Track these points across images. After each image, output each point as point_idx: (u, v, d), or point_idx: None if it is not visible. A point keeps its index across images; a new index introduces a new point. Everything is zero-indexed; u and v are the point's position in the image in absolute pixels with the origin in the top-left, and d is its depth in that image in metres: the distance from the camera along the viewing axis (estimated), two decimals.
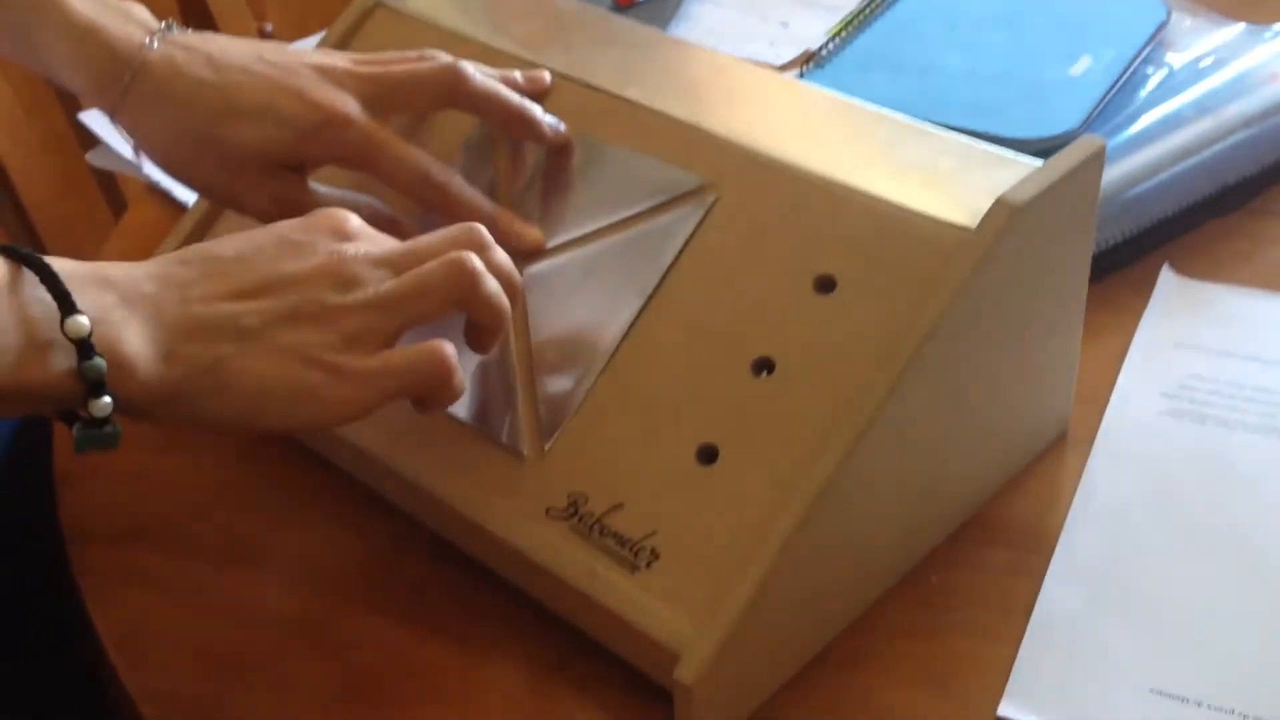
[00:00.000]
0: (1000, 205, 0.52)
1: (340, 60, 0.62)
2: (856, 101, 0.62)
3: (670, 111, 0.62)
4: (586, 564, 0.53)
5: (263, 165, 0.59)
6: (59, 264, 0.48)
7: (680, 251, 0.58)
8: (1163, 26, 0.82)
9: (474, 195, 0.61)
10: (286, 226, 0.53)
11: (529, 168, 0.64)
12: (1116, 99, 0.77)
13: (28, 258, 0.48)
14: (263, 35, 1.28)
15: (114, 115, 0.61)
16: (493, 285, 0.54)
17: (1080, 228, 0.57)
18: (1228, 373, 0.65)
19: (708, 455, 0.54)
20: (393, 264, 0.53)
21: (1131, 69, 0.79)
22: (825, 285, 0.55)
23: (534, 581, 0.56)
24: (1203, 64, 0.79)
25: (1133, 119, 0.76)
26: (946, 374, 0.53)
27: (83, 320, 0.46)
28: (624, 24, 0.68)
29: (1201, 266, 0.72)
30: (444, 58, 0.62)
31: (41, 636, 0.66)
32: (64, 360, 0.47)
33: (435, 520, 0.59)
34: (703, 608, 0.50)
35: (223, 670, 0.56)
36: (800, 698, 0.53)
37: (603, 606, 0.53)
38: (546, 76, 0.65)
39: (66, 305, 0.47)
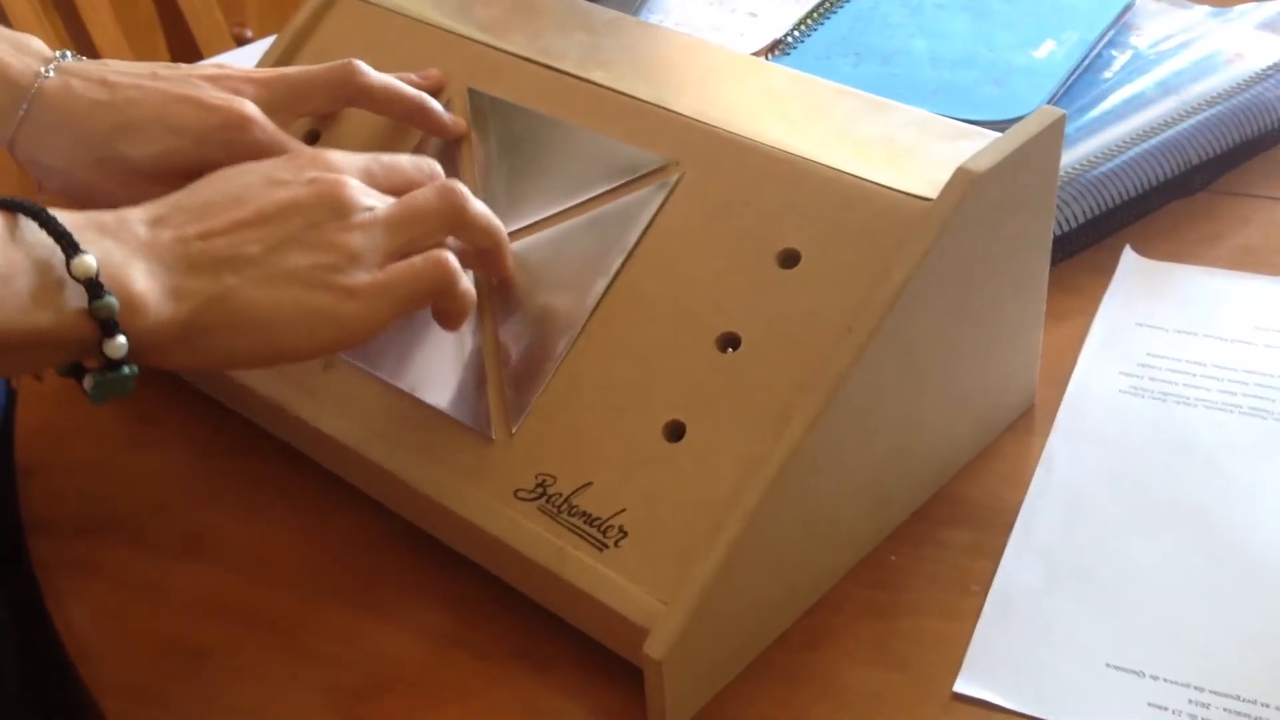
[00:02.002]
0: (960, 174, 0.52)
1: (234, 69, 0.62)
2: (819, 79, 0.62)
3: (634, 93, 0.62)
4: (555, 544, 0.53)
5: (164, 178, 0.58)
6: (55, 213, 0.48)
7: (645, 230, 0.58)
8: (1128, 9, 0.83)
9: None
10: (269, 164, 0.54)
11: (493, 153, 0.64)
12: (1081, 81, 0.78)
13: (23, 206, 0.47)
14: (240, 42, 1.28)
15: (12, 146, 0.60)
16: (482, 207, 0.56)
17: (1041, 198, 0.56)
18: (1188, 351, 0.65)
19: (675, 432, 0.53)
20: (383, 189, 0.54)
21: (1096, 51, 0.79)
22: (789, 260, 0.54)
23: (504, 564, 0.55)
24: (1167, 46, 0.80)
25: (1097, 101, 0.76)
26: (910, 345, 0.53)
27: (89, 259, 0.46)
28: (589, 8, 0.68)
29: (1164, 248, 0.72)
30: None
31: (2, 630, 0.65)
32: (75, 300, 0.46)
33: (405, 507, 0.59)
34: (671, 584, 0.50)
35: (182, 661, 0.56)
36: (758, 678, 0.52)
37: (572, 586, 0.52)
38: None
39: (70, 246, 0.47)
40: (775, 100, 0.61)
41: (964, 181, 0.52)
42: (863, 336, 0.51)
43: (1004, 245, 0.56)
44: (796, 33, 0.84)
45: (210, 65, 0.62)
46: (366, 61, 0.65)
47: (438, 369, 0.59)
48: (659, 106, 0.60)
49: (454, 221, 0.55)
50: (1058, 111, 0.55)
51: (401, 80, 0.65)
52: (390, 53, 0.68)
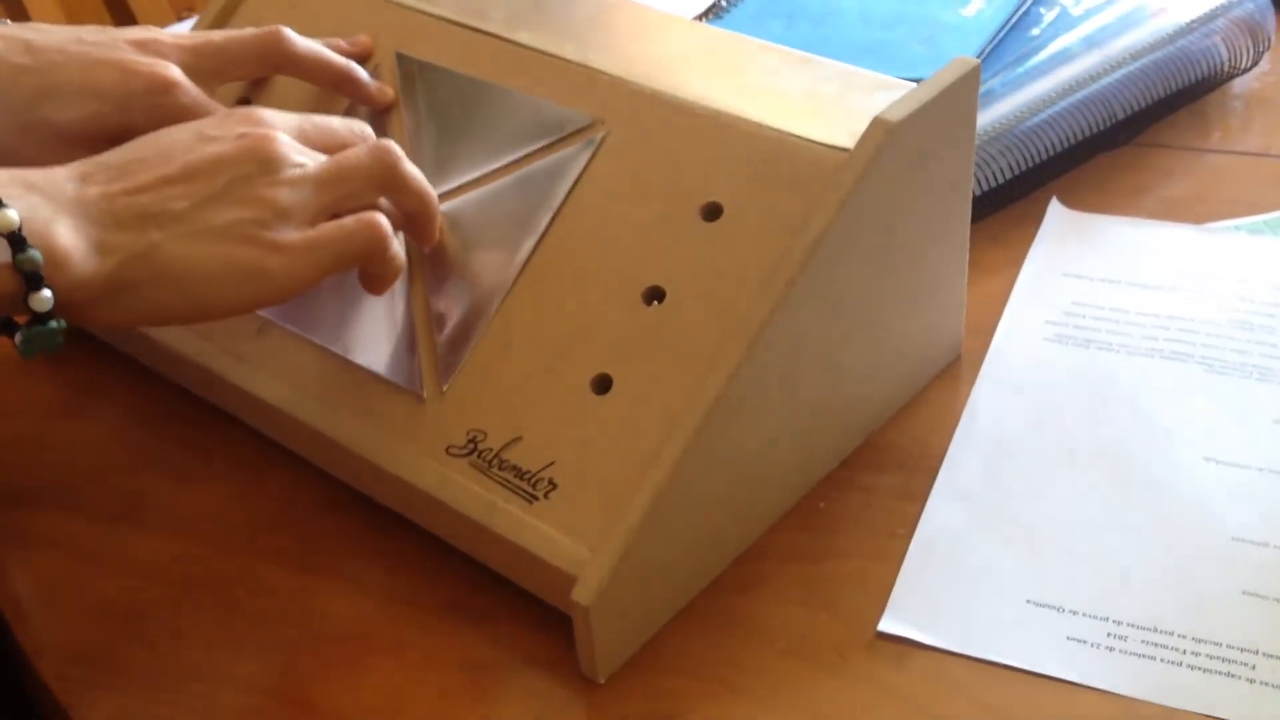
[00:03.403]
0: (877, 124, 0.52)
1: (162, 34, 0.62)
2: (743, 36, 0.62)
3: (560, 53, 0.62)
4: (486, 498, 0.54)
5: (88, 142, 0.57)
6: None
7: (572, 188, 0.58)
8: None
9: None
10: (200, 122, 0.54)
11: (421, 117, 0.64)
12: (1009, 38, 0.78)
13: None
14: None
15: None
16: (414, 169, 0.56)
17: (959, 147, 0.57)
18: (1112, 299, 0.66)
19: (602, 385, 0.54)
20: (314, 146, 0.54)
21: (1023, 9, 0.80)
22: (712, 213, 0.55)
23: (436, 519, 0.56)
24: (1094, 3, 0.80)
25: (1025, 58, 0.77)
26: (832, 294, 0.54)
27: (11, 213, 0.47)
28: None
29: (1091, 199, 0.73)
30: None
31: None
32: (0, 254, 0.46)
33: (339, 468, 0.59)
34: (599, 533, 0.51)
35: (117, 623, 0.56)
36: (689, 623, 0.53)
37: (502, 538, 0.53)
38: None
39: None
40: (700, 57, 0.61)
41: (880, 131, 0.52)
42: (781, 286, 0.51)
43: (923, 194, 0.57)
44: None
45: (138, 30, 0.62)
46: (296, 29, 0.65)
47: (370, 331, 0.60)
48: (584, 66, 0.61)
49: (386, 181, 0.55)
50: (972, 61, 0.56)
51: (330, 47, 0.65)
52: (319, 20, 0.68)
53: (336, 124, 0.57)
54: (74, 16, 1.27)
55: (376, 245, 0.54)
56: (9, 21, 0.62)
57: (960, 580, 0.53)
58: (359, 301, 0.60)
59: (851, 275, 0.54)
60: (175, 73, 0.59)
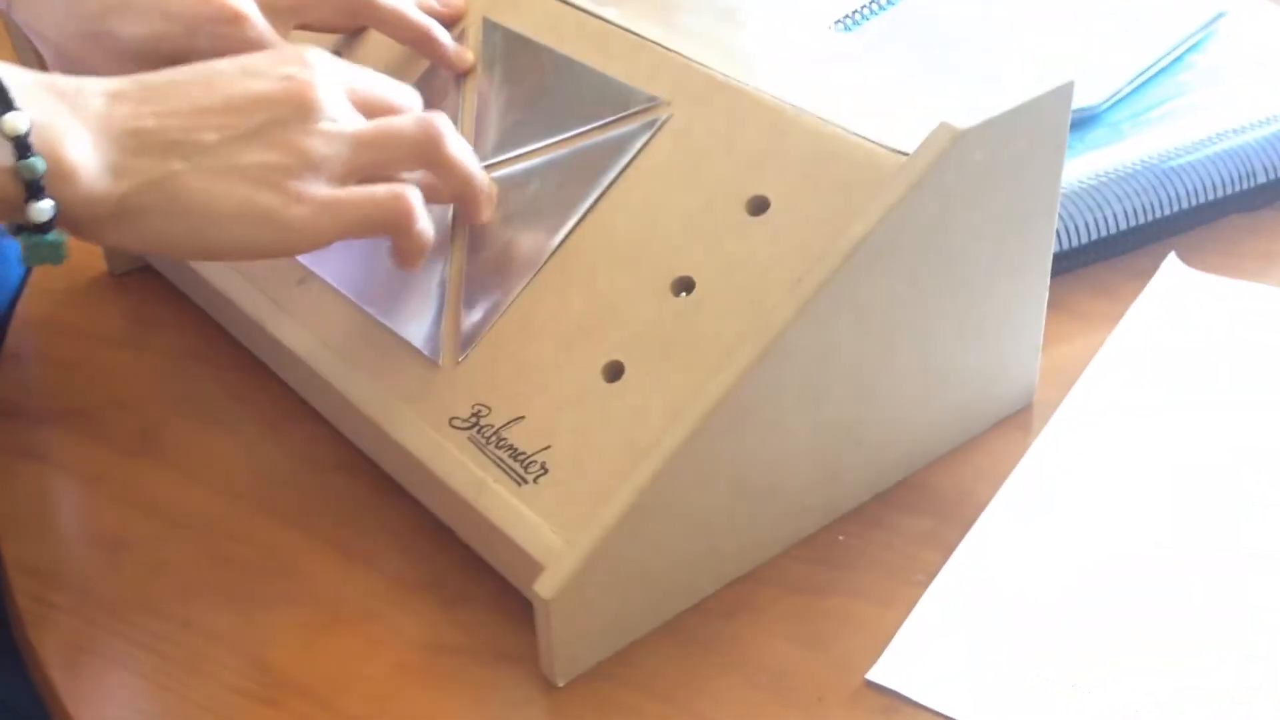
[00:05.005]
0: (942, 129, 0.48)
1: None
2: (841, 36, 0.58)
3: (640, 31, 0.59)
4: (477, 475, 0.51)
5: (151, 60, 0.57)
6: (6, 67, 0.47)
7: (624, 168, 0.55)
8: (1218, 19, 0.77)
9: None
10: (250, 56, 0.52)
11: (495, 83, 0.62)
12: (1153, 82, 0.73)
13: None
14: None
15: (9, 8, 0.60)
16: (461, 148, 0.54)
17: (1043, 172, 0.52)
18: (1215, 370, 0.59)
19: (614, 372, 0.51)
20: (362, 103, 0.52)
21: (1172, 55, 0.74)
22: (758, 207, 0.51)
23: (428, 490, 0.53)
24: (1250, 58, 0.74)
25: (1163, 102, 0.71)
26: (871, 307, 0.49)
27: (20, 117, 0.45)
28: None
29: (1214, 261, 0.66)
30: None
31: None
32: (4, 157, 0.45)
33: (346, 424, 0.58)
34: (579, 524, 0.47)
35: (102, 550, 0.55)
36: (665, 640, 0.49)
37: (484, 518, 0.50)
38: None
39: (4, 102, 0.45)
40: (782, 50, 0.58)
41: (944, 137, 0.48)
42: (810, 289, 0.47)
43: (995, 219, 0.52)
44: (864, 11, 0.80)
45: None
46: None
47: (403, 293, 0.58)
48: (660, 46, 0.58)
49: (428, 155, 0.53)
50: (1065, 78, 0.51)
51: (421, 5, 0.64)
52: None
53: (388, 87, 0.55)
54: None
55: (403, 218, 0.52)
56: None
57: (968, 642, 0.48)
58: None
59: (897, 291, 0.50)
60: (245, 5, 0.58)
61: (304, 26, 0.63)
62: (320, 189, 0.50)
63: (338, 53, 0.67)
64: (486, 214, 0.57)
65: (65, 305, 0.69)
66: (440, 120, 0.53)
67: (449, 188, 0.55)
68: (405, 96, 0.55)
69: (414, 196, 0.52)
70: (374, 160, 0.52)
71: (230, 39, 0.58)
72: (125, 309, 0.69)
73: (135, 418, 0.61)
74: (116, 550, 0.55)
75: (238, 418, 0.61)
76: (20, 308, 0.69)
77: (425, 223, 0.53)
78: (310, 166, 0.50)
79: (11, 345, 0.67)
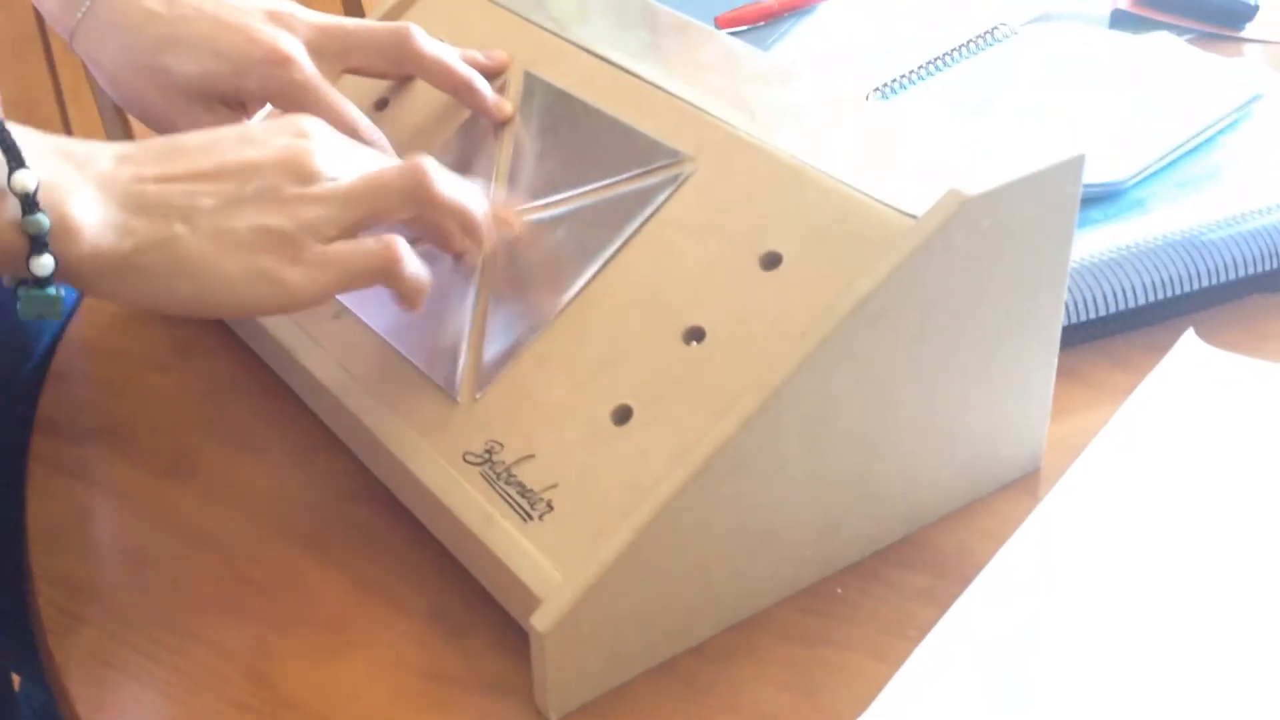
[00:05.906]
0: (950, 195, 0.49)
1: (297, 9, 0.63)
2: (875, 102, 0.60)
3: (670, 88, 0.61)
4: (486, 510, 0.52)
5: (201, 98, 0.59)
6: (21, 130, 0.50)
7: (647, 219, 0.57)
8: (1255, 100, 0.78)
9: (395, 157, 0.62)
10: (250, 124, 0.55)
11: (531, 134, 0.64)
12: (1185, 159, 0.74)
13: None
14: None
15: (72, 38, 0.63)
16: (451, 186, 0.55)
17: (1053, 240, 0.53)
18: (1218, 450, 0.60)
19: (622, 416, 0.52)
20: (351, 163, 0.54)
21: (1204, 135, 0.75)
22: (771, 261, 0.53)
23: (437, 522, 0.55)
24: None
25: (1194, 179, 0.72)
26: (874, 362, 0.50)
27: (28, 175, 0.47)
28: (660, 10, 0.68)
29: (1233, 339, 0.66)
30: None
31: None
32: (11, 212, 0.48)
33: (365, 453, 0.59)
34: (580, 561, 0.49)
35: (125, 565, 0.57)
36: (659, 681, 0.50)
37: (490, 552, 0.51)
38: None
39: (15, 159, 0.48)
40: (810, 109, 0.59)
41: (952, 202, 0.49)
42: (814, 342, 0.49)
43: (1004, 284, 0.53)
44: (902, 81, 0.82)
45: (276, 1, 0.64)
46: (450, 41, 0.67)
47: (430, 330, 0.60)
48: (689, 103, 0.60)
49: (418, 198, 0.54)
50: (1077, 151, 0.52)
51: (465, 57, 0.66)
52: (470, 34, 0.69)
53: (381, 163, 0.56)
54: None
55: (392, 265, 0.53)
56: None
57: (956, 699, 0.48)
58: (430, 300, 0.60)
59: (900, 349, 0.51)
60: (294, 49, 0.61)
61: (352, 71, 0.65)
62: (314, 249, 0.52)
63: (384, 99, 0.69)
64: (492, 238, 0.58)
65: (112, 329, 0.72)
66: (426, 162, 0.55)
67: (446, 224, 0.57)
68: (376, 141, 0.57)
69: (400, 245, 0.54)
70: (367, 215, 0.53)
71: (279, 80, 0.60)
72: (168, 335, 0.71)
73: (170, 439, 0.64)
74: (139, 566, 0.57)
75: (267, 443, 0.63)
76: (70, 329, 0.72)
77: (415, 266, 0.54)
78: (305, 228, 0.52)
79: (59, 364, 0.69)
